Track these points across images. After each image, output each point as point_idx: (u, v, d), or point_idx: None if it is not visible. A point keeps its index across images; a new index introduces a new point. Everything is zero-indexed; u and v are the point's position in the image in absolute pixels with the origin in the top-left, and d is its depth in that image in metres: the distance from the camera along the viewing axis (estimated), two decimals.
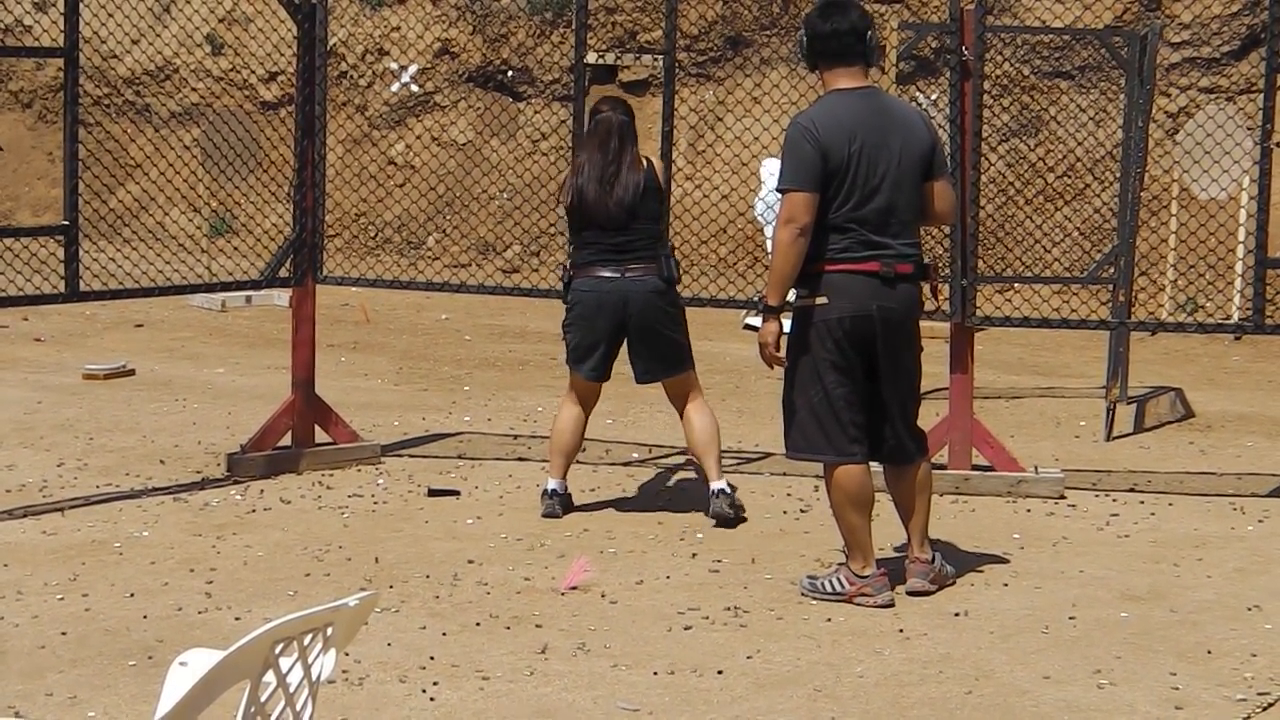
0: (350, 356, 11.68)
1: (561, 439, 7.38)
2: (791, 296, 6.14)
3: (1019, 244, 13.47)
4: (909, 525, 6.29)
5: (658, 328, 7.29)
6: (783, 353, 6.13)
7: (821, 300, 6.00)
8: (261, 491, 7.63)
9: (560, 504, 7.32)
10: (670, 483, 8.02)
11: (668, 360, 7.35)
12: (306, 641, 3.06)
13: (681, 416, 7.45)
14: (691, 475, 8.13)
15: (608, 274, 7.23)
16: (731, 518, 7.15)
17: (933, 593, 6.20)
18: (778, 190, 6.06)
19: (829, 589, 6.13)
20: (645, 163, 7.31)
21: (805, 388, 6.09)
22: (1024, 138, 14.99)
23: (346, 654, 4.97)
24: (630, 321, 7.25)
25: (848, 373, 6.03)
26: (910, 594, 6.18)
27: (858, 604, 6.05)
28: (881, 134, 5.99)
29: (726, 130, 13.32)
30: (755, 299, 6.54)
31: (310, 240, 8.17)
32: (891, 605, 6.05)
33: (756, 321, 6.38)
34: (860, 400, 6.09)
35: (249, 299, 13.76)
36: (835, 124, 5.96)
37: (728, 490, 7.22)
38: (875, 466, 6.24)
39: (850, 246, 5.98)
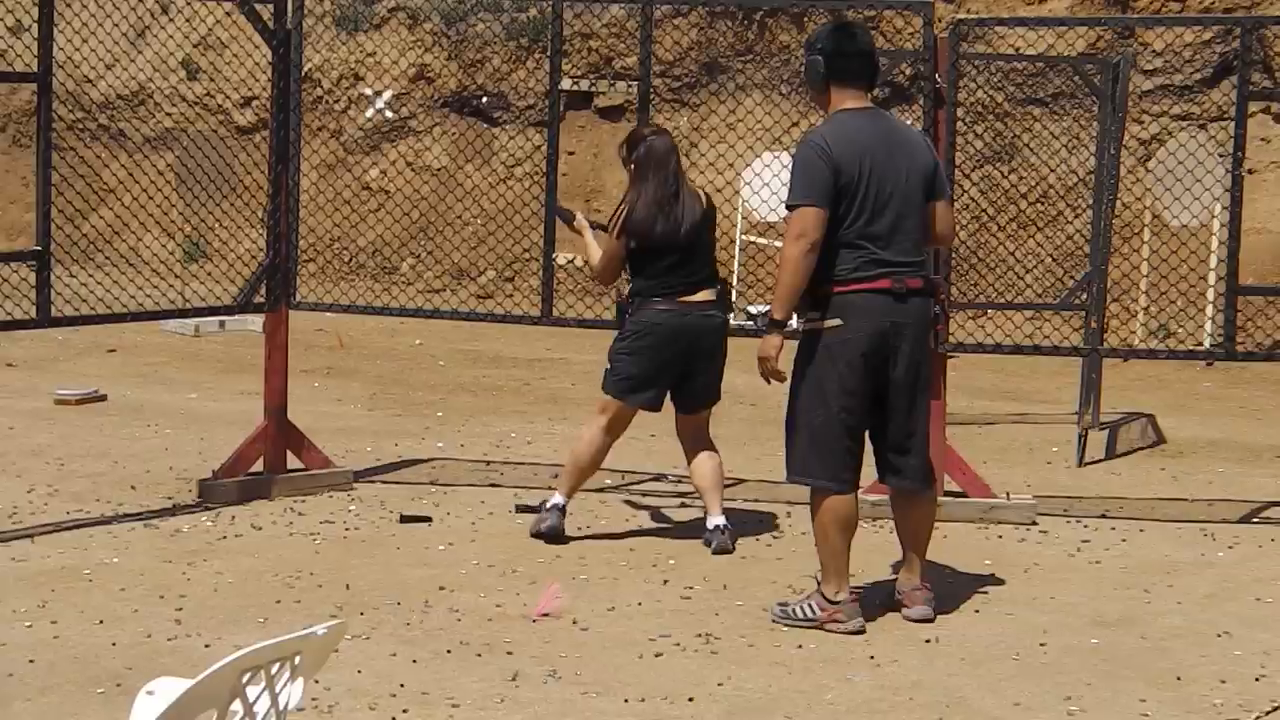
0: (324, 382, 11.66)
1: (586, 463, 7.30)
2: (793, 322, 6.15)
3: (992, 270, 13.48)
4: (912, 552, 6.34)
5: (718, 362, 7.28)
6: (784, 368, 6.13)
7: (834, 323, 6.02)
8: (233, 518, 7.60)
9: (563, 523, 7.29)
10: (643, 509, 8.01)
11: (712, 393, 7.34)
12: (274, 670, 3.05)
13: (688, 449, 7.39)
14: (663, 501, 8.13)
15: (680, 306, 7.15)
16: (731, 552, 7.16)
17: (933, 620, 6.21)
18: (787, 206, 6.05)
19: (801, 615, 6.13)
20: (704, 194, 7.31)
21: (807, 410, 6.11)
22: (997, 164, 15.04)
23: (316, 681, 4.96)
24: (697, 355, 7.20)
25: (855, 396, 6.05)
26: (915, 620, 6.20)
27: (829, 630, 6.06)
28: (889, 153, 6.05)
29: (701, 156, 13.34)
30: (757, 313, 6.54)
31: (284, 265, 8.17)
32: (863, 632, 6.05)
33: (754, 309, 6.39)
34: (862, 427, 6.13)
35: (222, 324, 13.71)
36: (847, 141, 6.01)
37: (731, 526, 7.24)
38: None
39: (861, 266, 6.01)
